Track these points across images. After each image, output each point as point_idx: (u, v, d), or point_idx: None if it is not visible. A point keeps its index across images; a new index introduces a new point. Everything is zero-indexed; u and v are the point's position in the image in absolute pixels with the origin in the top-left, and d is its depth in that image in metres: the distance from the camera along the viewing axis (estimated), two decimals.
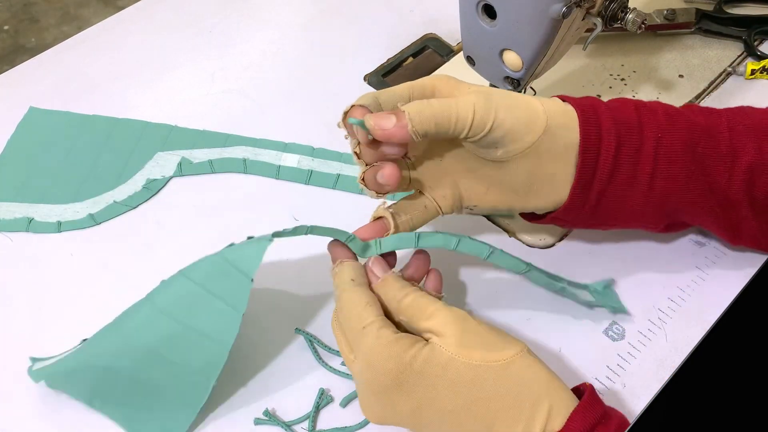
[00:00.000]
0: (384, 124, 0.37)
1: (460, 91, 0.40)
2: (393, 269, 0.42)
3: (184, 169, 0.55)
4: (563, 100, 0.43)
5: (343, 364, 0.45)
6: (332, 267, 0.41)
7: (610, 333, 0.46)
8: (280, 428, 0.43)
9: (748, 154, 0.42)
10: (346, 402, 0.44)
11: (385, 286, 0.40)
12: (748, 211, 0.43)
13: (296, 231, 0.41)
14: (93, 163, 0.56)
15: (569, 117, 0.41)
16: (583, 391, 0.37)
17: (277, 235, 0.41)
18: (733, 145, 0.42)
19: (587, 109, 0.41)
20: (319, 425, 0.43)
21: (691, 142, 0.42)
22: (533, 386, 0.37)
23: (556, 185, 0.42)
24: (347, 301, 0.39)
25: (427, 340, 0.38)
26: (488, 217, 0.52)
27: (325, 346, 0.46)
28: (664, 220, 0.45)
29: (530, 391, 0.36)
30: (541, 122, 0.40)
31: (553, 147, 0.40)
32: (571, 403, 0.37)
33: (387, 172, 0.39)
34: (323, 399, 0.44)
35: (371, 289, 0.40)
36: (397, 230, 0.42)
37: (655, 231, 0.46)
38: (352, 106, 0.39)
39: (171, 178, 0.55)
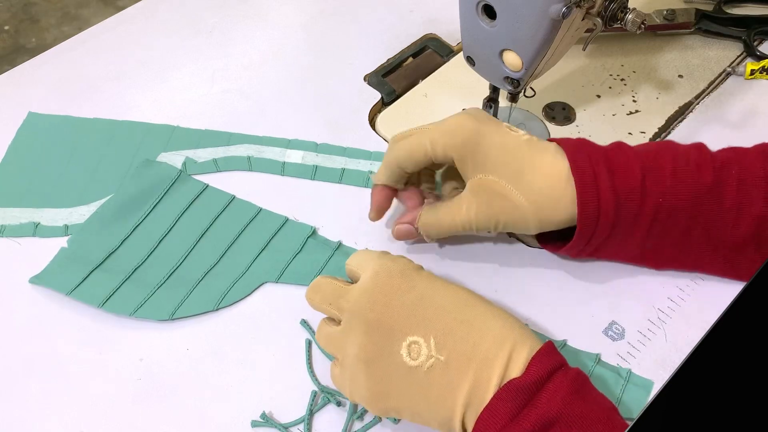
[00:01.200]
0: (406, 238, 0.49)
1: (470, 173, 0.44)
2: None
3: (188, 169, 0.55)
4: (560, 145, 0.44)
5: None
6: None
7: (610, 333, 0.46)
8: (276, 431, 0.43)
9: (755, 206, 0.42)
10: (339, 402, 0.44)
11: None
12: (754, 254, 0.44)
13: None
14: (96, 166, 0.56)
15: (567, 195, 0.43)
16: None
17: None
18: (739, 199, 0.42)
19: (587, 185, 0.42)
20: (318, 426, 0.43)
21: (694, 202, 0.43)
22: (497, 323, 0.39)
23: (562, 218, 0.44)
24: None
25: None
26: None
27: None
28: (661, 266, 0.48)
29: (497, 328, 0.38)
30: (535, 225, 0.44)
31: (555, 216, 0.44)
32: (534, 344, 0.38)
33: (399, 235, 0.49)
34: (318, 401, 0.44)
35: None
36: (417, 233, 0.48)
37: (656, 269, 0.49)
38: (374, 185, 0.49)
39: None
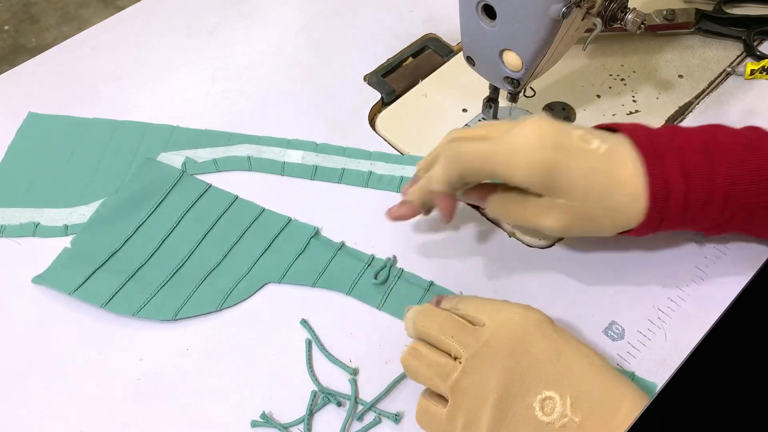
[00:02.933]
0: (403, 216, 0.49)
1: (551, 197, 0.43)
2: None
3: (188, 169, 0.55)
4: (631, 138, 0.43)
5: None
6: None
7: (610, 333, 0.46)
8: (276, 431, 0.43)
9: None
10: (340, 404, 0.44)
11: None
12: None
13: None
14: (96, 166, 0.56)
15: (645, 209, 0.42)
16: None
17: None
18: None
19: (657, 179, 0.41)
20: (317, 427, 0.43)
21: (760, 179, 0.42)
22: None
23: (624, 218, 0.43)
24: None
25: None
26: (489, 219, 0.52)
27: (323, 347, 0.46)
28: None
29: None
30: (611, 234, 0.44)
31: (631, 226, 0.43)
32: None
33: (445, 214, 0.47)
34: (318, 401, 0.44)
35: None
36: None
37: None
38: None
39: None
